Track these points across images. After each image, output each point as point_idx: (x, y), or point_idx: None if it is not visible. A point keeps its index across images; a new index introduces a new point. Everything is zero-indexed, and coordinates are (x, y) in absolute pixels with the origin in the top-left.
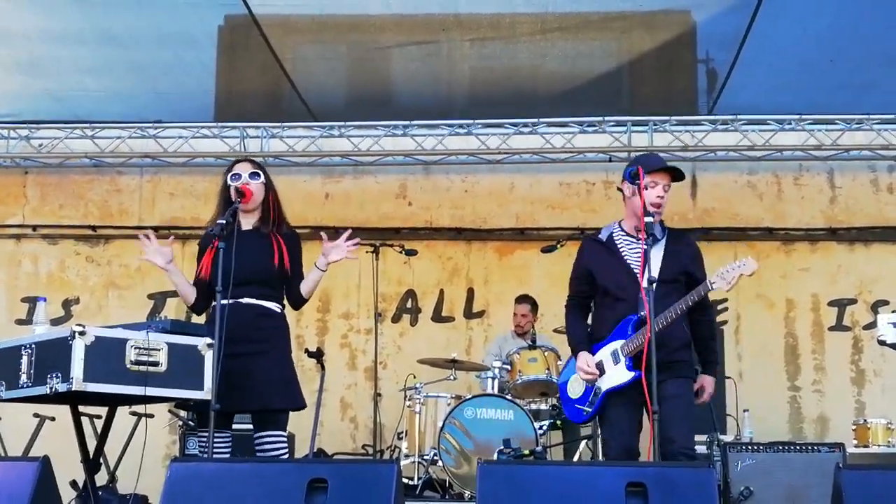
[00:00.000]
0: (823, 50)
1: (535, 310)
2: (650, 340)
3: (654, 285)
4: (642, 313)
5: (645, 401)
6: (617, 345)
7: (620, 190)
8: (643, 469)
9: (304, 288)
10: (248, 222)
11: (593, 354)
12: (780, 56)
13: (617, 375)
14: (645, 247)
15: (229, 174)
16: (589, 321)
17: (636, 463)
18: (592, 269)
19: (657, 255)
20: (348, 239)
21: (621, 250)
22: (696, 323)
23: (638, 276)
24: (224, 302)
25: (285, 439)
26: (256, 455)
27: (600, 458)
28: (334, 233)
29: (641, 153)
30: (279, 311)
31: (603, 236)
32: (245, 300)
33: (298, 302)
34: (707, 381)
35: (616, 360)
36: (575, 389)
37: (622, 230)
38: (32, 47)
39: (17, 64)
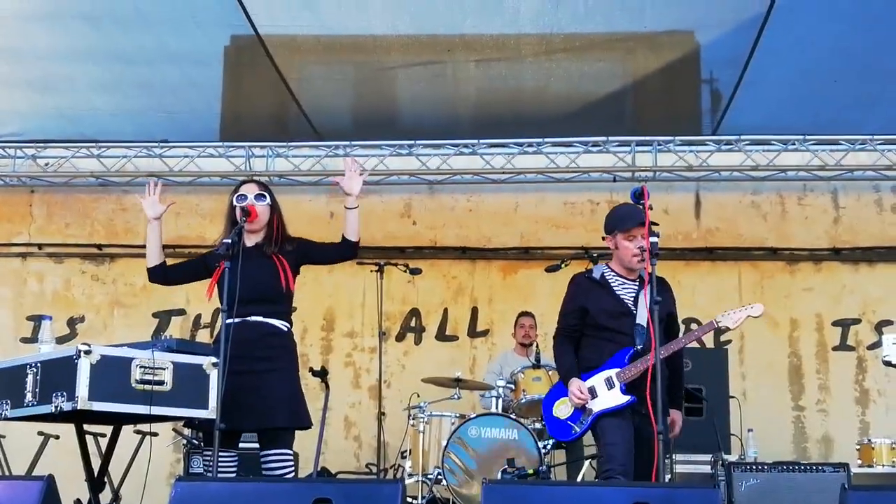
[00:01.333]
0: (827, 70)
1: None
2: (654, 366)
3: (646, 323)
4: (639, 346)
5: (639, 423)
6: (611, 372)
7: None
8: (648, 489)
9: (348, 232)
10: (251, 241)
11: (584, 381)
12: (784, 77)
13: (610, 399)
14: (641, 288)
15: (235, 195)
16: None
17: (642, 483)
18: (587, 304)
19: (641, 297)
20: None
21: (615, 289)
22: (669, 358)
23: (632, 310)
24: (229, 322)
25: (291, 457)
26: (263, 473)
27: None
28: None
29: (618, 208)
30: (286, 329)
31: (596, 275)
32: (252, 318)
33: (349, 248)
34: (677, 416)
35: (610, 386)
36: (563, 411)
37: (613, 272)
38: (41, 66)
39: (27, 82)
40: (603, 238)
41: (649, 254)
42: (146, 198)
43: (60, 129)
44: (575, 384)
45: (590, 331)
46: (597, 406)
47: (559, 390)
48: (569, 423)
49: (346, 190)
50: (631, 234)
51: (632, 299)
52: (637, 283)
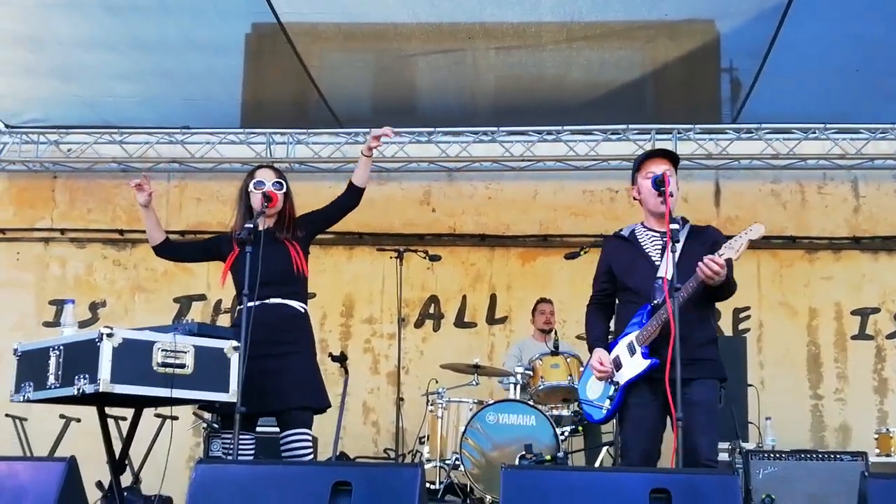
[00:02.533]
0: (848, 59)
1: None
2: (674, 333)
3: (669, 276)
4: (656, 301)
5: (666, 401)
6: (632, 336)
7: (636, 199)
8: (667, 475)
9: (358, 177)
10: (263, 226)
11: (610, 352)
12: (805, 65)
13: (633, 366)
14: (670, 245)
15: (252, 180)
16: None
17: (660, 469)
18: (613, 264)
19: (668, 252)
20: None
21: (643, 245)
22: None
23: (655, 264)
24: (250, 305)
25: (311, 438)
26: (282, 455)
27: (619, 461)
28: (358, 237)
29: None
30: (303, 310)
31: (625, 232)
32: (271, 300)
33: (355, 195)
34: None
35: (632, 352)
36: (593, 390)
37: (644, 227)
38: (63, 53)
39: (49, 70)
40: (632, 196)
41: (666, 195)
42: (140, 191)
43: (82, 116)
44: (595, 355)
45: (619, 294)
46: (622, 377)
47: (589, 369)
48: (597, 403)
49: (376, 133)
50: (647, 170)
51: (659, 253)
52: (674, 248)
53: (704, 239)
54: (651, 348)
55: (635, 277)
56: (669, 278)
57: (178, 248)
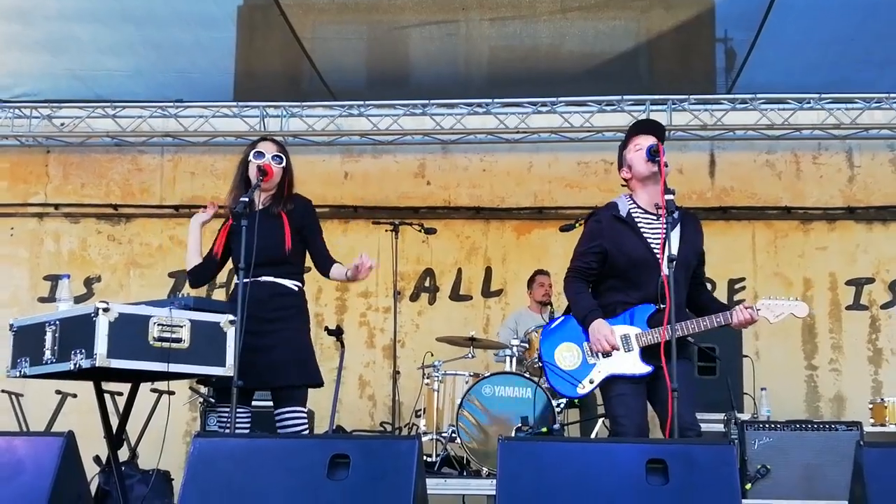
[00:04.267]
0: (843, 28)
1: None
2: (669, 320)
3: (674, 264)
4: (662, 306)
5: (649, 376)
6: (630, 331)
7: (626, 178)
8: (664, 446)
9: (334, 273)
10: (259, 201)
11: None
12: (800, 34)
13: (628, 364)
14: (665, 226)
15: (252, 150)
16: None
17: (656, 440)
18: (609, 246)
19: (675, 236)
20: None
21: (642, 229)
22: (700, 296)
23: (658, 258)
24: (245, 280)
25: (305, 415)
26: (278, 432)
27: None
28: (353, 211)
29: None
30: (297, 289)
31: (622, 212)
32: (263, 278)
33: (321, 272)
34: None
35: (628, 348)
36: (566, 359)
37: (638, 207)
38: (54, 27)
39: (38, 43)
40: (622, 178)
41: (661, 164)
42: (204, 211)
43: (74, 90)
44: (603, 328)
45: (608, 275)
46: (610, 368)
47: (562, 331)
48: (573, 377)
49: (357, 273)
50: (635, 143)
51: (658, 242)
52: (670, 222)
53: (696, 228)
54: (644, 351)
55: (635, 268)
56: (667, 257)
57: (212, 271)
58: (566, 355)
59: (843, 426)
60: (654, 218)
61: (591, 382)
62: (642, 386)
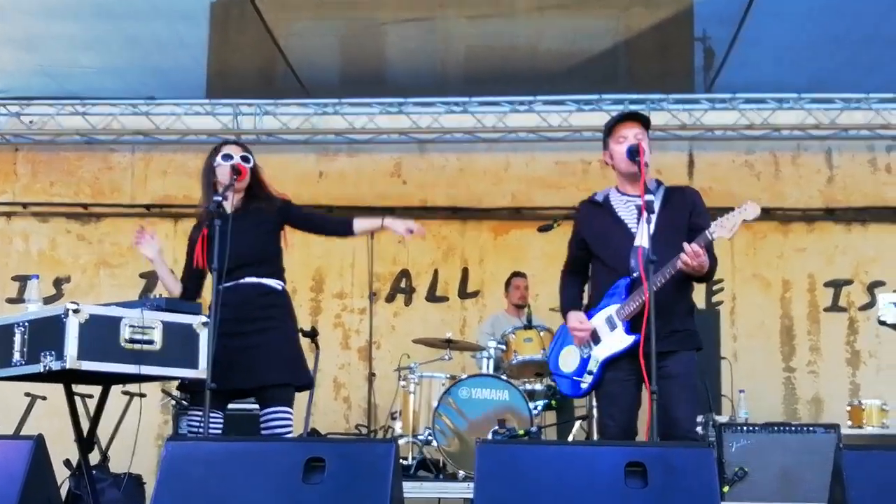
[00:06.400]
0: (823, 27)
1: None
2: (649, 305)
3: (651, 244)
4: (636, 274)
5: (643, 377)
6: (611, 310)
7: (608, 164)
8: (642, 449)
9: (359, 225)
10: (231, 203)
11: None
12: (779, 34)
13: (615, 341)
14: (644, 216)
15: (218, 155)
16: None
17: (635, 443)
18: (585, 232)
19: (654, 217)
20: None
21: (617, 211)
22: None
23: (632, 232)
24: (226, 284)
25: (291, 416)
26: (262, 433)
27: (595, 436)
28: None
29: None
30: (281, 288)
31: (599, 197)
32: (246, 280)
33: (344, 234)
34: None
35: (612, 326)
36: (568, 362)
37: (618, 192)
38: (24, 22)
39: (8, 39)
40: (604, 160)
41: (641, 165)
42: (142, 241)
43: (44, 86)
44: (574, 317)
45: (593, 261)
46: (602, 353)
47: (561, 338)
48: (574, 378)
49: (391, 226)
50: (619, 134)
51: (635, 219)
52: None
53: (683, 203)
54: (632, 323)
55: (609, 247)
56: (645, 249)
57: (200, 284)
58: (567, 359)
59: (821, 428)
60: (633, 198)
61: (590, 374)
62: (632, 380)
